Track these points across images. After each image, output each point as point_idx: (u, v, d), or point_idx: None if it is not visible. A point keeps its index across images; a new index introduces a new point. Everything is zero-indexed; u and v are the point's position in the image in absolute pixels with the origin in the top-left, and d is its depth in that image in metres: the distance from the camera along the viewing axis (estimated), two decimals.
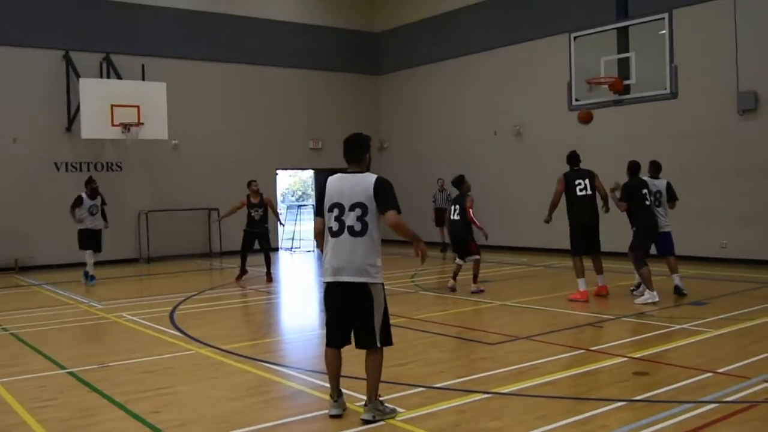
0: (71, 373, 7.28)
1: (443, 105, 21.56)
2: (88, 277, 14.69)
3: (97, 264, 14.94)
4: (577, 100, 12.38)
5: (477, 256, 12.37)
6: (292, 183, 38.32)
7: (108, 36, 19.08)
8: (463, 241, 12.44)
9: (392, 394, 6.12)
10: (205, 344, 8.52)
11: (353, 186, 5.54)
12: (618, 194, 10.91)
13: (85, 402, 6.31)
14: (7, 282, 14.13)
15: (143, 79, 18.75)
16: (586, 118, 12.17)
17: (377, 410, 5.48)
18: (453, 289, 12.31)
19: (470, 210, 12.31)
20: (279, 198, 25.27)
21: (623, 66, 11.74)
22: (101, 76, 18.72)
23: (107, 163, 19.17)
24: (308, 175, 24.38)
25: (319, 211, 5.66)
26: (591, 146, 16.83)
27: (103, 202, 14.72)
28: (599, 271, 11.30)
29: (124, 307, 11.61)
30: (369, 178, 5.60)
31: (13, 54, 17.92)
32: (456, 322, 9.64)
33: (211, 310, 11.35)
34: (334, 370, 5.65)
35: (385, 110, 23.98)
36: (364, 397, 5.58)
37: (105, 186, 18.91)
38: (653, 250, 11.18)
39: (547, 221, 11.34)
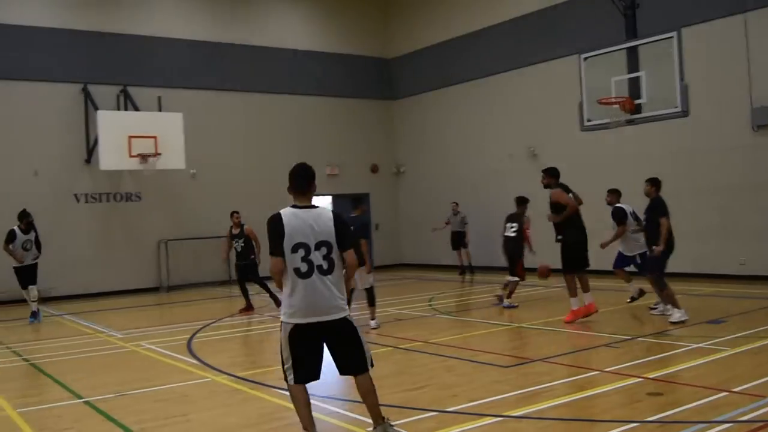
0: (87, 402, 7.36)
1: (458, 128, 21.65)
2: (34, 315, 14.04)
3: (118, 293, 15.04)
4: (588, 120, 12.42)
5: (518, 279, 12.81)
6: None
7: (125, 69, 19.40)
8: (513, 259, 12.87)
9: (405, 418, 6.14)
10: (221, 372, 8.58)
11: (314, 224, 5.38)
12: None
13: (101, 430, 6.38)
14: (28, 313, 14.29)
15: (160, 110, 19.02)
16: (544, 274, 12.64)
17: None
18: (501, 301, 12.99)
19: (528, 231, 12.77)
20: None
21: (634, 85, 11.79)
22: (119, 108, 19.02)
23: (126, 194, 19.41)
24: (326, 201, 24.51)
25: (278, 251, 5.34)
26: (604, 165, 16.85)
27: (36, 238, 14.08)
28: (588, 288, 10.91)
29: (143, 336, 11.72)
30: (325, 214, 5.50)
31: (34, 88, 18.29)
32: (471, 345, 9.62)
33: (228, 338, 11.42)
34: (307, 403, 5.62)
35: (401, 135, 24.10)
36: (370, 421, 5.59)
37: (125, 216, 19.32)
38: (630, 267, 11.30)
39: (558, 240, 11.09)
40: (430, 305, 13.96)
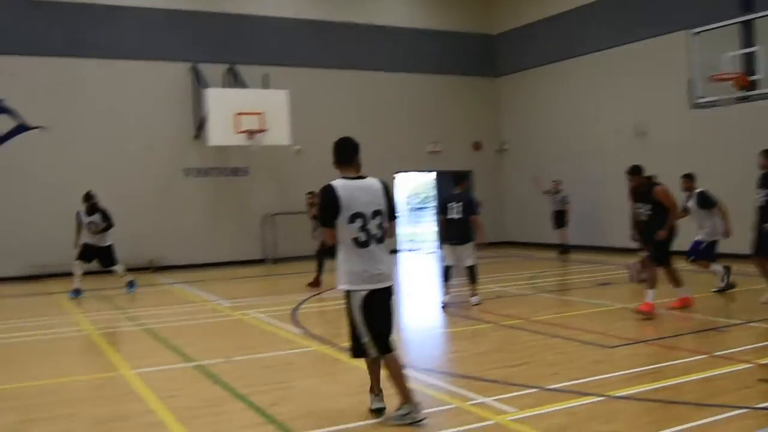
0: (198, 366, 7.70)
1: (563, 105, 21.21)
2: (131, 285, 14.15)
3: (225, 264, 15.47)
4: (699, 97, 11.94)
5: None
6: (415, 186, 38.64)
7: (232, 47, 19.94)
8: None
9: (505, 394, 6.14)
10: (324, 341, 8.80)
11: (366, 193, 5.51)
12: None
13: (210, 393, 6.68)
14: (142, 281, 14.99)
15: (266, 88, 19.44)
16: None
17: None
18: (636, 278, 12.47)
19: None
20: (404, 200, 25.41)
21: (748, 61, 11.25)
22: (226, 86, 19.57)
23: (233, 169, 20.02)
24: (430, 177, 24.55)
25: (332, 223, 5.46)
26: (715, 145, 16.20)
27: (106, 218, 13.78)
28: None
29: (250, 306, 12.11)
30: (375, 184, 5.62)
31: (146, 68, 19.10)
32: (573, 324, 9.49)
33: (332, 309, 11.66)
34: (378, 371, 5.76)
35: (505, 112, 23.81)
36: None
37: (232, 190, 19.92)
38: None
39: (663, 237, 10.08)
40: (531, 283, 13.84)
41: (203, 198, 19.79)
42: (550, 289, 13.23)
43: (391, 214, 5.64)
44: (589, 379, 6.65)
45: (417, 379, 6.88)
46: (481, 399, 6.04)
